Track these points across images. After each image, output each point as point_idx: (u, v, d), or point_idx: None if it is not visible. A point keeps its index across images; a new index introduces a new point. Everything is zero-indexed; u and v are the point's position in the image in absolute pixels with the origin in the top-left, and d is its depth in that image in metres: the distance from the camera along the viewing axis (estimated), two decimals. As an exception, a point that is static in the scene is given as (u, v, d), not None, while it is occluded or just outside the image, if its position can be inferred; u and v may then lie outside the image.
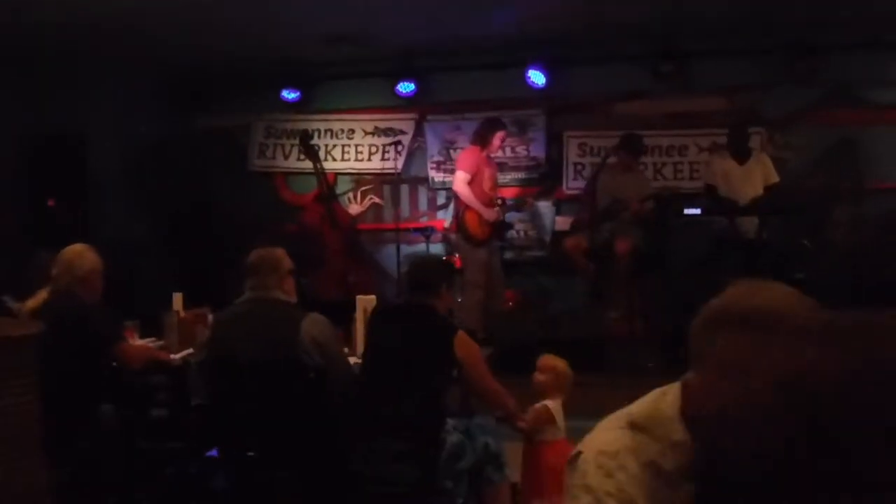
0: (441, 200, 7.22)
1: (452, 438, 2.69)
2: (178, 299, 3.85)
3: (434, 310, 2.91)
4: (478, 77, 6.82)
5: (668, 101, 6.59)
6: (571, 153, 6.83)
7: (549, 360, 3.02)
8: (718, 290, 1.16)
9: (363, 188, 7.32)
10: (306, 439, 2.68)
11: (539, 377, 2.96)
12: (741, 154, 5.64)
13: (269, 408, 2.70)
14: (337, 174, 7.28)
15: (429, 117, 7.10)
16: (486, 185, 5.41)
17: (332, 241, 6.71)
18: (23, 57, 5.71)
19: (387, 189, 7.32)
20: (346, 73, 7.08)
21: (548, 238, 6.68)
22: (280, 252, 2.99)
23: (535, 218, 6.82)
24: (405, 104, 7.07)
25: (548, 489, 2.81)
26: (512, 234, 6.55)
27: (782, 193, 5.68)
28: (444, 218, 7.07)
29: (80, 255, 3.14)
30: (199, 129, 7.37)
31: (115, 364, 2.97)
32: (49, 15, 5.16)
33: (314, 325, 2.85)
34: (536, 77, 6.52)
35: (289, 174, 7.42)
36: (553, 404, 2.90)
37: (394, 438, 2.56)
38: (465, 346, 2.80)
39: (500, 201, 5.44)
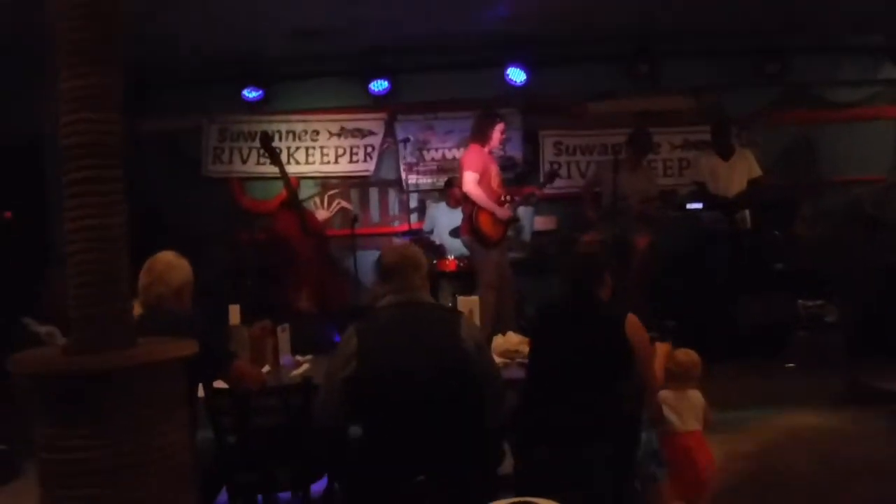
0: (413, 204, 6.96)
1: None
2: (234, 311, 3.38)
3: (600, 300, 2.77)
4: (450, 76, 6.65)
5: (639, 100, 6.74)
6: (547, 152, 6.82)
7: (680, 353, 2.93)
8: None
9: (330, 192, 6.92)
10: (474, 453, 2.41)
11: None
12: (725, 151, 5.85)
13: (440, 422, 2.40)
14: (300, 178, 6.83)
15: (399, 117, 6.83)
16: (494, 182, 5.22)
17: (304, 250, 6.26)
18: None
19: (355, 193, 6.97)
20: (309, 71, 6.67)
21: (528, 239, 6.61)
22: (417, 249, 2.70)
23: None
24: (373, 104, 6.76)
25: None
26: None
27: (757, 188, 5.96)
28: (418, 222, 6.84)
29: (172, 265, 2.67)
30: (143, 132, 6.63)
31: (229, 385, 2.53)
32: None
33: (472, 328, 2.60)
34: (516, 75, 6.45)
35: (247, 179, 6.87)
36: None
37: (586, 444, 2.36)
38: (637, 330, 2.69)
39: (508, 198, 5.28)
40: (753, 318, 5.53)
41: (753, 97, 6.62)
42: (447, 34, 6.14)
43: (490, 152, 5.26)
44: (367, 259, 6.83)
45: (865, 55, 6.51)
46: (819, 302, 5.95)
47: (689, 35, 6.35)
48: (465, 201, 5.24)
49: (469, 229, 5.16)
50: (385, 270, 2.67)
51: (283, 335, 3.34)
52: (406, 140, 6.65)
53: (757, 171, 5.86)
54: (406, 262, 2.69)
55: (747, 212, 5.75)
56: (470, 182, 5.05)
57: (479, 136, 5.18)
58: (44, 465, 1.84)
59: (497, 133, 5.20)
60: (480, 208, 5.10)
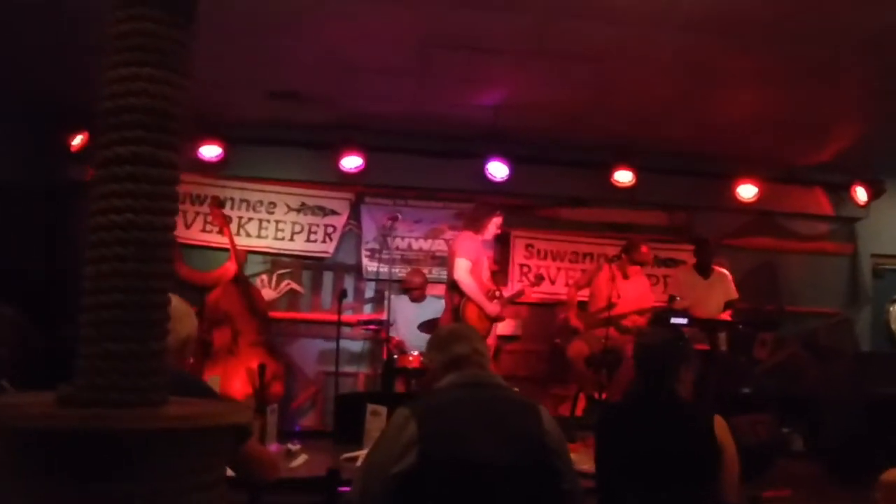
0: (369, 293, 6.39)
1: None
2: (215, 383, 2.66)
3: (679, 397, 2.35)
4: (426, 162, 6.33)
5: (613, 211, 6.64)
6: (517, 254, 6.50)
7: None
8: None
9: (279, 272, 6.25)
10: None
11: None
12: (706, 270, 5.74)
13: None
14: (248, 252, 6.15)
15: (366, 199, 6.37)
16: (485, 275, 4.79)
17: (247, 329, 5.53)
18: None
19: (307, 275, 6.33)
20: (275, 136, 6.15)
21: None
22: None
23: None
24: (339, 181, 6.28)
25: None
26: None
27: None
28: (372, 312, 6.26)
29: (179, 311, 2.03)
30: (70, 181, 5.81)
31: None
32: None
33: (552, 420, 2.07)
34: (497, 170, 6.20)
35: (187, 246, 6.10)
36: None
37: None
38: (727, 434, 2.33)
39: (499, 293, 4.84)
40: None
41: (722, 220, 6.66)
42: (429, 117, 5.88)
43: (483, 243, 4.87)
44: (309, 347, 6.16)
45: (830, 191, 6.74)
46: (786, 429, 5.80)
47: (666, 154, 6.40)
48: (450, 292, 4.76)
49: (451, 321, 4.63)
50: (446, 342, 2.14)
51: (272, 418, 2.66)
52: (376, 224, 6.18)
53: (734, 294, 5.77)
54: (472, 333, 2.20)
55: (724, 334, 5.60)
56: (463, 270, 4.59)
57: (474, 223, 4.81)
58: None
59: (493, 225, 4.86)
60: (468, 300, 4.63)
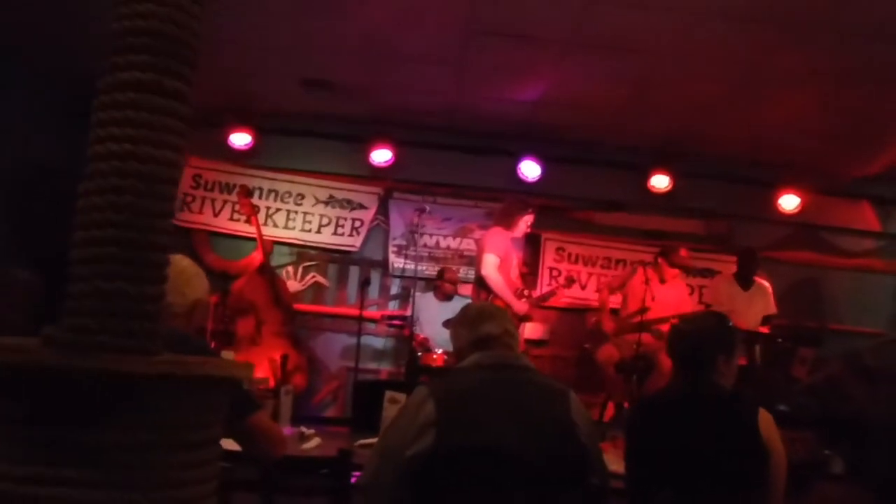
0: (395, 290, 6.27)
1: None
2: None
3: (720, 390, 2.16)
4: (456, 158, 6.21)
5: (648, 217, 6.44)
6: (548, 257, 6.33)
7: None
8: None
9: (305, 264, 6.16)
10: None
11: None
12: (747, 282, 5.50)
13: None
14: (275, 243, 6.08)
15: (395, 194, 6.26)
16: (514, 273, 4.63)
17: (271, 320, 5.45)
18: None
19: (332, 268, 6.23)
20: (306, 128, 6.10)
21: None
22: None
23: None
24: (369, 175, 6.19)
25: None
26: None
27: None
28: (397, 309, 6.13)
29: (189, 272, 1.93)
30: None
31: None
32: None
33: (581, 407, 1.92)
34: (530, 169, 6.05)
35: (215, 234, 6.06)
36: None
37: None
38: (773, 430, 2.11)
39: (527, 293, 4.67)
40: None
41: (763, 231, 6.41)
42: (464, 112, 5.76)
43: (513, 240, 4.71)
44: (333, 342, 6.06)
45: (878, 205, 6.45)
46: (826, 451, 5.53)
47: (707, 159, 6.19)
48: (477, 288, 4.61)
49: None
50: (475, 320, 2.00)
51: (287, 399, 2.54)
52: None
53: (773, 308, 5.52)
54: (503, 313, 2.06)
55: (759, 347, 5.36)
56: (490, 265, 4.43)
57: (506, 219, 4.65)
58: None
59: (523, 222, 4.69)
60: (495, 297, 4.47)
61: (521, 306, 4.49)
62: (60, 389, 1.01)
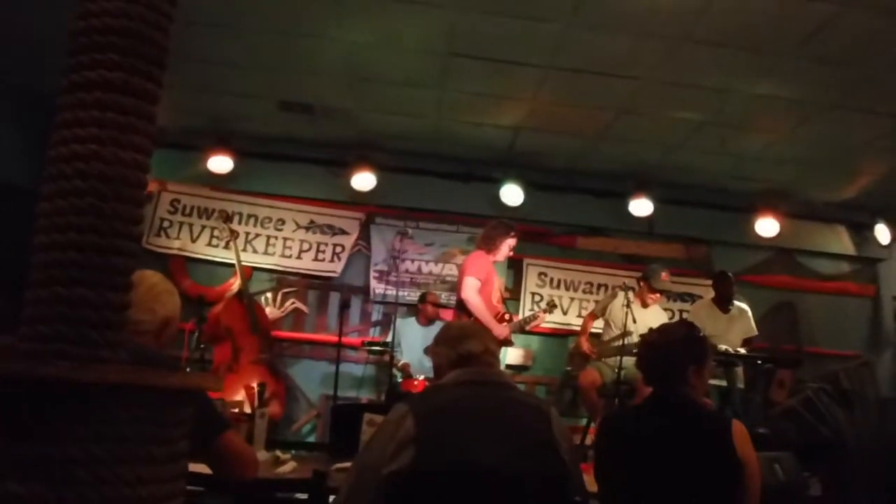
0: (376, 316, 6.19)
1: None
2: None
3: (691, 401, 2.08)
4: (437, 184, 6.20)
5: (630, 242, 6.46)
6: (530, 281, 6.30)
7: None
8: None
9: (285, 290, 6.08)
10: None
11: None
12: (725, 305, 5.50)
13: None
14: (254, 269, 6.00)
15: (377, 219, 6.22)
16: (495, 296, 4.59)
17: (248, 347, 5.35)
18: None
19: (313, 294, 6.15)
20: (286, 153, 6.06)
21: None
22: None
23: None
24: (350, 200, 6.15)
25: None
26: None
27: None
28: (378, 336, 6.05)
29: (159, 289, 1.86)
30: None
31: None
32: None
33: (563, 426, 1.87)
34: (511, 195, 6.05)
35: (191, 260, 5.96)
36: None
37: None
38: (746, 442, 2.01)
39: (508, 317, 4.62)
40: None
41: (741, 256, 6.45)
42: (446, 137, 5.77)
43: (494, 263, 4.67)
44: (312, 369, 5.95)
45: (852, 229, 6.53)
46: (804, 473, 5.51)
47: (686, 185, 6.24)
48: (458, 311, 4.55)
49: None
50: (457, 338, 1.96)
51: (262, 422, 2.46)
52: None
53: (753, 331, 5.51)
54: (484, 332, 2.02)
55: (741, 369, 5.35)
56: (470, 288, 4.39)
57: (488, 243, 4.61)
58: None
59: (506, 246, 4.66)
60: (476, 321, 4.42)
61: (501, 331, 4.43)
62: (8, 400, 0.94)
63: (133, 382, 1.00)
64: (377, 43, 4.30)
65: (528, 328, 4.93)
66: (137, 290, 1.74)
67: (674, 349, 2.15)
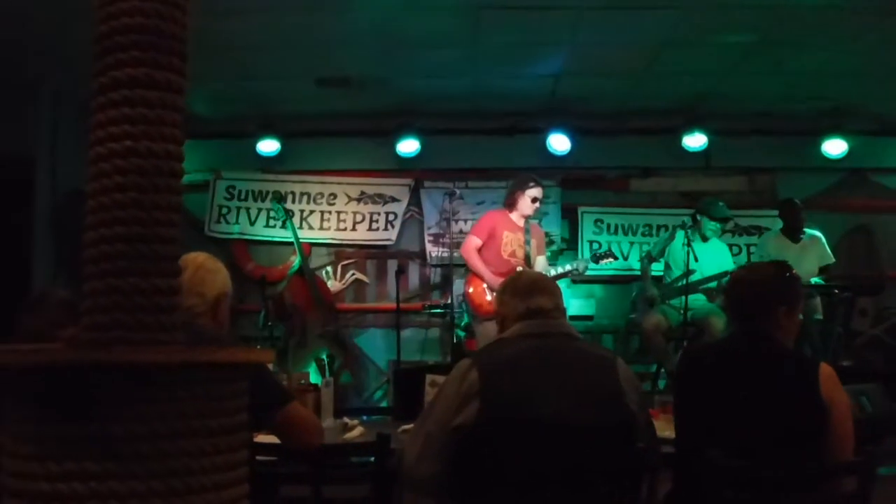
0: (436, 279, 6.26)
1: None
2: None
3: (778, 342, 2.03)
4: (484, 141, 6.16)
5: (687, 179, 6.29)
6: (587, 230, 6.23)
7: None
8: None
9: (344, 262, 6.20)
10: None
11: None
12: (795, 233, 5.30)
13: (589, 496, 1.68)
14: (312, 245, 6.13)
15: (426, 183, 6.24)
16: (507, 250, 4.67)
17: (314, 321, 5.52)
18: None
19: (371, 264, 6.26)
20: (330, 128, 6.13)
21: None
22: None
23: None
24: (397, 168, 6.19)
25: None
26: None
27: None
28: (440, 299, 6.12)
29: (206, 269, 1.94)
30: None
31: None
32: None
33: (631, 374, 1.87)
34: (558, 143, 5.96)
35: (253, 243, 6.14)
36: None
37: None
38: (833, 386, 1.94)
39: (520, 269, 4.68)
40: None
41: (810, 181, 6.18)
42: (486, 93, 5.70)
43: (519, 218, 4.76)
44: (378, 337, 6.08)
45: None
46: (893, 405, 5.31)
47: (743, 113, 6.00)
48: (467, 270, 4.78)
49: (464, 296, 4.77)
50: (527, 291, 1.95)
51: (327, 391, 2.56)
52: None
53: (829, 258, 5.30)
54: (552, 286, 2.01)
55: (819, 300, 5.17)
56: (466, 245, 4.74)
57: (507, 200, 4.83)
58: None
59: (527, 198, 4.68)
60: (473, 275, 4.64)
61: (499, 282, 4.54)
62: (75, 386, 1.02)
63: (186, 361, 1.06)
64: (404, 5, 4.26)
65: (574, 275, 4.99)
66: (183, 275, 1.82)
67: (764, 288, 2.09)
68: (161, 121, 1.26)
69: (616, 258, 5.40)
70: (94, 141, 1.26)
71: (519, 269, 4.68)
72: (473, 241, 4.72)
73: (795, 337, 2.17)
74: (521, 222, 4.78)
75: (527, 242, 4.83)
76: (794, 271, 2.19)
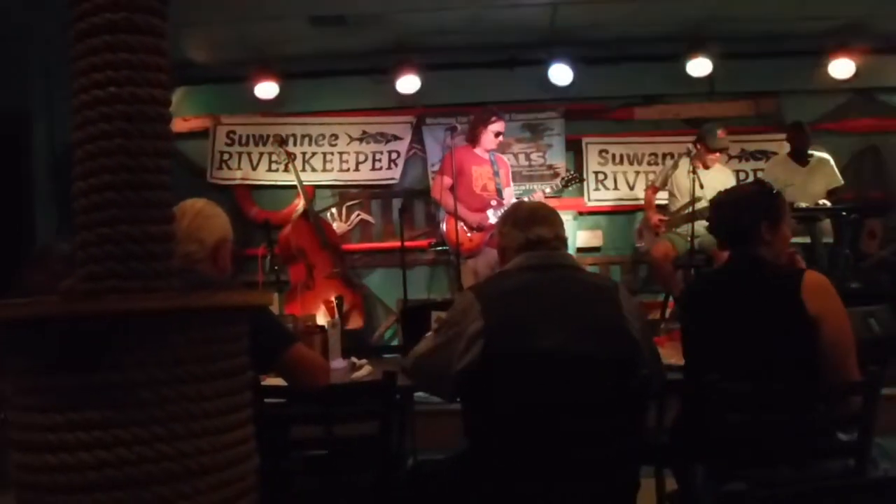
0: (442, 215, 6.25)
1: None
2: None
3: (762, 259, 2.03)
4: (483, 75, 6.05)
5: (691, 105, 6.17)
6: (592, 161, 6.17)
7: None
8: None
9: (348, 203, 6.19)
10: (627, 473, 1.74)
11: None
12: (802, 157, 5.23)
13: (596, 432, 1.71)
14: (316, 187, 6.11)
15: (427, 120, 6.16)
16: (478, 185, 4.69)
17: (321, 264, 5.54)
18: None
19: (376, 204, 6.24)
20: (328, 68, 6.01)
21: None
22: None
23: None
24: (398, 105, 6.10)
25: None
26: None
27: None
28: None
29: (205, 215, 1.94)
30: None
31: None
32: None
33: (633, 301, 1.88)
34: (560, 74, 5.84)
35: (256, 188, 6.13)
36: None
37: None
38: (820, 294, 1.92)
39: (494, 203, 4.72)
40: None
41: (816, 103, 6.05)
42: (484, 25, 5.56)
43: (484, 152, 4.84)
44: (386, 277, 6.11)
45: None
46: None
47: (747, 36, 5.83)
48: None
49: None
50: (528, 221, 1.94)
51: (334, 332, 2.59)
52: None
53: (838, 180, 5.24)
54: (552, 215, 2.00)
55: (828, 222, 5.13)
56: (436, 186, 4.85)
57: (469, 135, 4.86)
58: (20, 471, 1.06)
59: (489, 133, 4.73)
60: (448, 214, 4.71)
61: (474, 218, 4.66)
62: (72, 338, 1.03)
63: (181, 307, 1.06)
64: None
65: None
66: (181, 222, 1.83)
67: (744, 207, 2.07)
68: (144, 65, 1.24)
69: (583, 180, 5.68)
70: (77, 89, 1.25)
71: (493, 202, 4.75)
72: (444, 181, 4.73)
73: (786, 251, 2.15)
74: (485, 156, 4.85)
75: (495, 174, 4.90)
76: (771, 187, 2.17)
